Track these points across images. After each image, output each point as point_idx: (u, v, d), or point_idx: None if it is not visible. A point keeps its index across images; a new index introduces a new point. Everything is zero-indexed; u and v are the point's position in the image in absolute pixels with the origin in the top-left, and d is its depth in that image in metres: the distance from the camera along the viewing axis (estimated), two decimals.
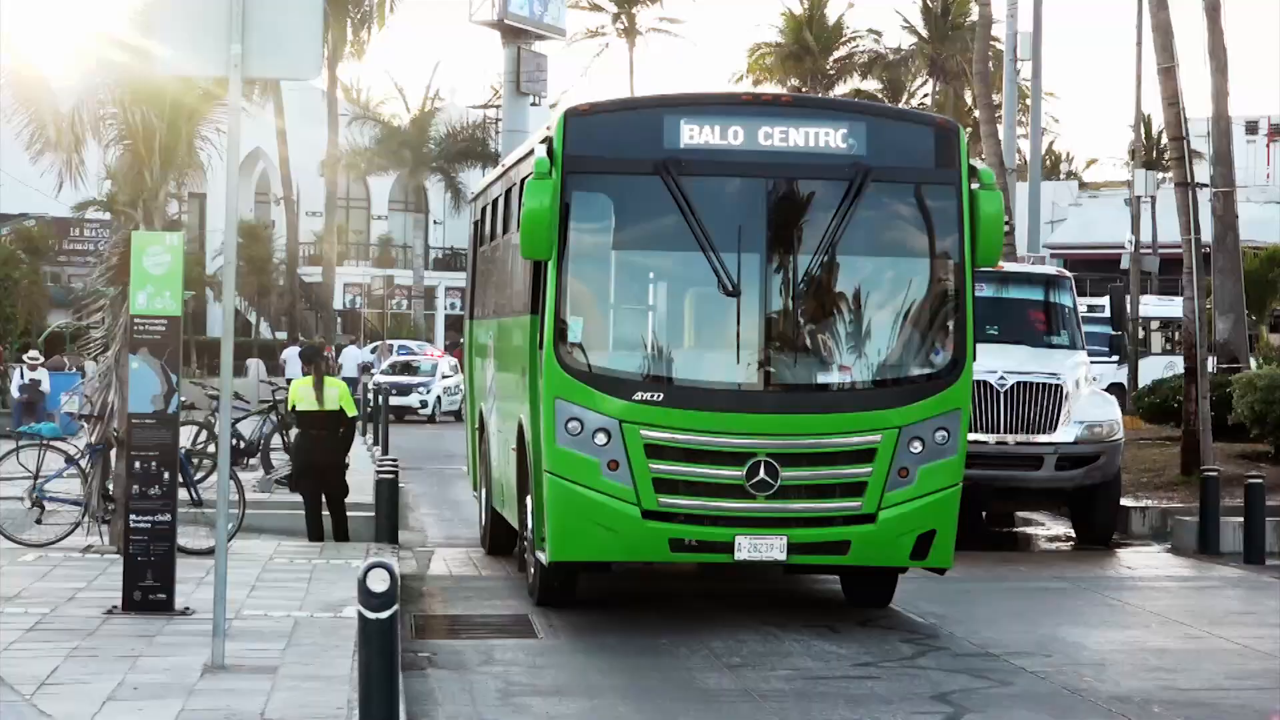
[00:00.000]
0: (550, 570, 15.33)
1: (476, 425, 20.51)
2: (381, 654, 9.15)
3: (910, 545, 14.93)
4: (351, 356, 55.35)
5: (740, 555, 14.61)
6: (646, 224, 15.10)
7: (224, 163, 13.39)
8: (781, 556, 14.69)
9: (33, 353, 38.79)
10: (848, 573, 16.22)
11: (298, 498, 20.66)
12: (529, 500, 15.87)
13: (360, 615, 9.13)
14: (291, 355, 53.73)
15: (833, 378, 15.23)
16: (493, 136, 79.03)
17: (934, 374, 15.14)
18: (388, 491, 19.94)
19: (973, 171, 15.27)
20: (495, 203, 19.22)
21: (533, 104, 78.94)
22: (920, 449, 14.84)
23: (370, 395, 42.11)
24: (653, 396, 14.56)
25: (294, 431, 21.81)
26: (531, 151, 15.58)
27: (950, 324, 15.19)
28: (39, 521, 18.63)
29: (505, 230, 18.18)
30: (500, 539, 19.58)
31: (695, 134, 14.94)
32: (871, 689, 12.75)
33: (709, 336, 15.18)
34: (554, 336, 14.60)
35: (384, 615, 9.03)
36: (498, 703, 12.21)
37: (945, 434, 14.93)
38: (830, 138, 15.10)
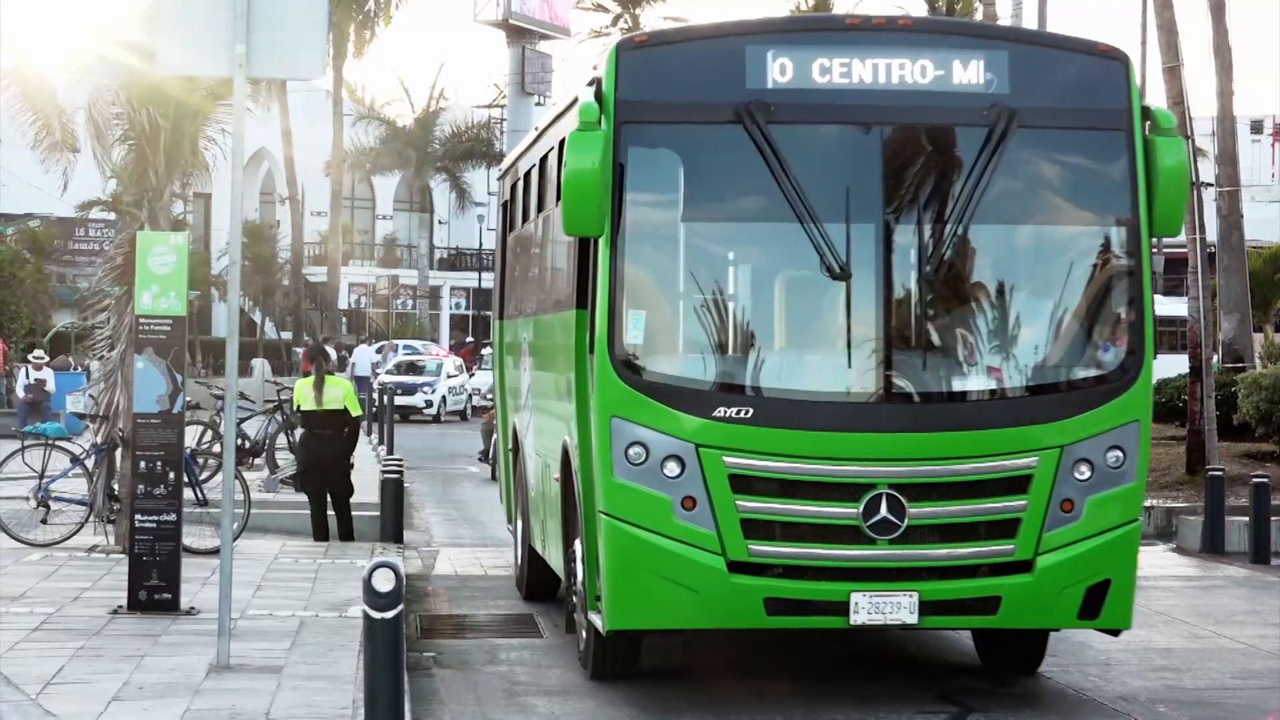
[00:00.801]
0: (608, 639, 12.21)
1: (510, 445, 17.34)
2: (386, 654, 9.14)
3: (1078, 601, 11.79)
4: (364, 356, 55.49)
5: (858, 618, 11.49)
6: (726, 188, 11.92)
7: (229, 162, 13.39)
8: (911, 618, 11.54)
9: (38, 352, 38.86)
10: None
11: (303, 497, 20.68)
12: (578, 545, 12.72)
13: (365, 615, 9.12)
14: (361, 355, 54.13)
15: (973, 384, 12.00)
16: (498, 136, 79.14)
17: (1104, 377, 11.98)
18: (393, 491, 19.94)
19: (1146, 113, 12.10)
20: (528, 176, 15.98)
21: (537, 104, 79.06)
22: (1088, 474, 11.72)
23: (375, 395, 42.12)
24: (739, 413, 11.47)
25: (299, 431, 21.82)
26: (575, 101, 12.29)
27: (1123, 311, 12.02)
28: (44, 521, 18.64)
29: (541, 207, 15.06)
30: (541, 583, 16.26)
31: (786, 70, 11.80)
32: (877, 688, 12.74)
33: (811, 333, 12.13)
34: (608, 337, 11.51)
35: (389, 615, 9.02)
36: (503, 702, 12.22)
37: (1120, 454, 11.79)
38: (964, 72, 11.97)
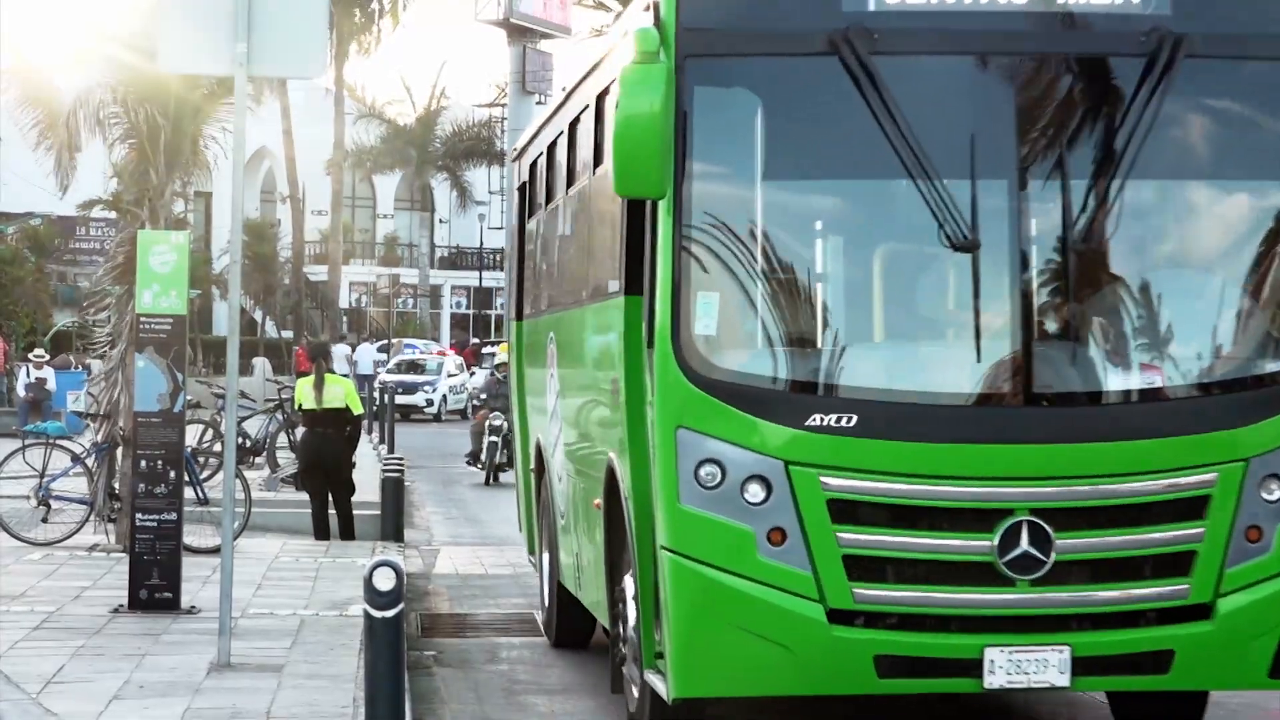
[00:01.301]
0: (674, 708, 9.79)
1: (531, 465, 14.92)
2: (387, 652, 9.13)
3: (1269, 655, 9.46)
4: (366, 354, 55.63)
5: (994, 680, 9.20)
6: (818, 136, 9.49)
7: (229, 161, 13.39)
8: (1062, 679, 9.25)
9: (38, 351, 38.88)
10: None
11: (304, 496, 20.67)
12: (628, 585, 10.38)
13: (366, 614, 9.11)
14: (338, 353, 54.31)
15: (1135, 382, 9.53)
16: (498, 136, 79.15)
17: None
18: (393, 490, 19.94)
19: None
20: (553, 149, 13.81)
21: (538, 103, 79.00)
22: (1279, 493, 9.41)
23: (376, 394, 42.15)
24: (840, 421, 9.11)
25: (300, 430, 21.82)
26: (625, 36, 10.02)
27: None
28: (45, 520, 18.65)
29: (571, 181, 12.81)
30: (573, 627, 13.99)
31: None
32: None
33: (930, 319, 9.74)
34: (672, 327, 9.18)
35: (390, 614, 9.01)
36: (503, 701, 12.21)
37: None
38: None
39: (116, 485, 17.89)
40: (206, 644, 12.44)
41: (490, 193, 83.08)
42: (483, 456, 30.45)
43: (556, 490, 13.54)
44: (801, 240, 9.66)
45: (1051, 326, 9.47)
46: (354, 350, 56.68)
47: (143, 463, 14.33)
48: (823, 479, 9.10)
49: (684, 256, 9.25)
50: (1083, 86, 9.54)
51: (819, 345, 9.42)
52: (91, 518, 18.36)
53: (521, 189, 15.84)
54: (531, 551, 15.54)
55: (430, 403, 51.19)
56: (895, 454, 9.13)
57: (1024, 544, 9.13)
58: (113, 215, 33.47)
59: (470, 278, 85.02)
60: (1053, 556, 9.12)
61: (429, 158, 77.41)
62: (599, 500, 11.09)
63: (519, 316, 15.79)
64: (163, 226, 17.03)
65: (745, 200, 9.39)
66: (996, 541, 9.11)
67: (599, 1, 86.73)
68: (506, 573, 18.66)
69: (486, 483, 29.97)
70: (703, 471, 9.15)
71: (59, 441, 19.89)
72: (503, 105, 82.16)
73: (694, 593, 9.21)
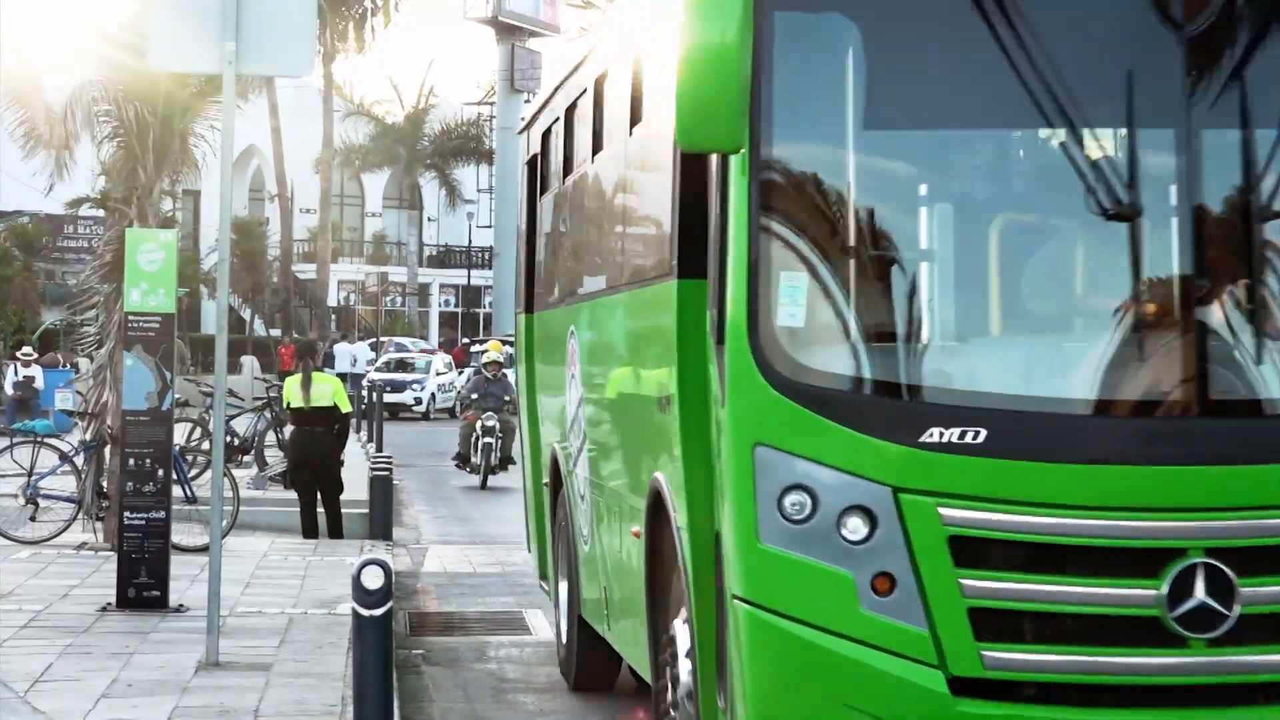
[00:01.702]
0: None
1: (546, 478, 13.27)
2: (376, 651, 9.14)
3: None
4: (344, 352, 55.61)
5: None
6: (932, 76, 7.57)
7: (218, 159, 13.38)
8: None
9: (26, 349, 38.84)
10: None
11: (292, 495, 20.67)
12: (680, 635, 8.67)
13: (354, 612, 9.11)
14: (341, 351, 54.40)
15: None
16: (487, 134, 79.15)
17: None
18: (382, 488, 19.95)
19: None
20: (576, 107, 11.90)
21: (526, 101, 78.99)
22: None
23: (365, 392, 42.15)
24: (964, 436, 7.20)
25: (288, 428, 21.81)
26: None
27: None
28: (33, 518, 18.63)
29: (599, 145, 10.96)
30: (596, 670, 12.30)
31: None
32: None
33: (1077, 309, 7.73)
34: (748, 317, 7.36)
35: (378, 612, 9.02)
36: (491, 699, 12.21)
37: None
38: None
39: (104, 483, 17.88)
40: (194, 642, 12.43)
41: (479, 191, 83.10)
42: (474, 459, 29.69)
43: (578, 510, 11.74)
44: (913, 207, 7.66)
45: (1233, 316, 7.38)
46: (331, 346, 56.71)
47: (131, 461, 14.32)
48: (942, 510, 7.18)
49: (764, 228, 7.37)
50: (1273, 10, 7.47)
51: (936, 340, 7.52)
52: (79, 516, 18.35)
53: (531, 163, 14.05)
54: (543, 576, 13.81)
55: (418, 401, 51.19)
56: (1035, 478, 7.18)
57: (1200, 593, 7.15)
58: (101, 213, 33.46)
59: (459, 276, 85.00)
60: (1236, 609, 7.13)
61: (418, 156, 77.38)
62: (638, 528, 9.36)
63: (529, 308, 14.04)
64: (151, 224, 17.03)
65: (841, 156, 7.49)
66: (1165, 590, 7.14)
67: (587, 0, 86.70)
68: (495, 571, 18.66)
69: (481, 486, 29.37)
70: (788, 501, 7.28)
71: (47, 440, 19.87)
72: (491, 104, 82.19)
73: (777, 656, 7.35)
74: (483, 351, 34.99)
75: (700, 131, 7.35)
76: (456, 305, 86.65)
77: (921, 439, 7.22)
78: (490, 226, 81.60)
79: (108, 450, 17.77)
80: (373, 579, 8.99)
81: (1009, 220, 7.75)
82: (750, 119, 7.36)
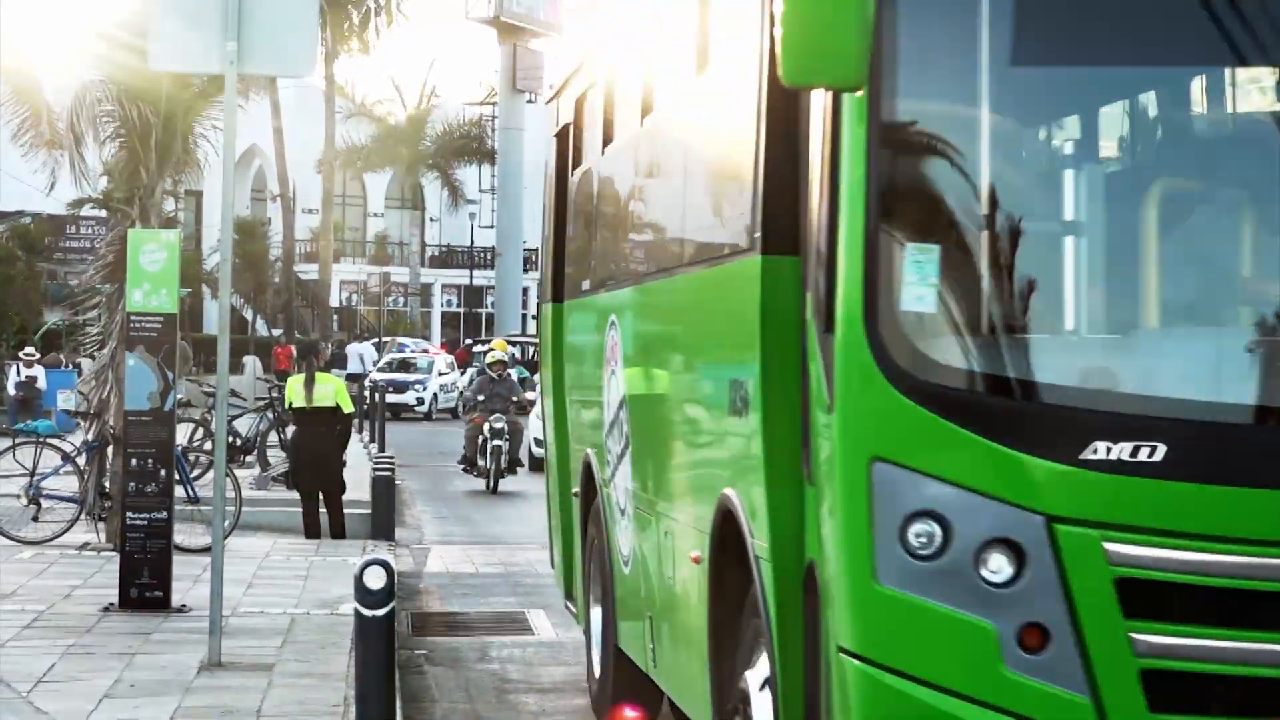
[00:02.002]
0: None
1: (576, 487, 12.02)
2: (378, 651, 9.14)
3: None
4: (354, 351, 55.87)
5: None
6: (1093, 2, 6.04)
7: (220, 160, 13.37)
8: None
9: (29, 349, 38.82)
10: None
11: (294, 495, 20.67)
12: (755, 690, 7.24)
13: (357, 612, 9.11)
14: (352, 351, 54.51)
15: None
16: (489, 134, 79.14)
17: None
18: (384, 488, 19.95)
19: None
20: (618, 63, 10.66)
21: (529, 101, 79.03)
22: None
23: (367, 392, 42.18)
24: (1136, 453, 5.83)
25: (291, 428, 21.81)
26: None
27: None
28: (35, 519, 18.63)
29: (649, 108, 9.57)
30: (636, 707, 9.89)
31: None
32: None
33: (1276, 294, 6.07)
34: (866, 301, 6.03)
35: (380, 612, 9.01)
36: (494, 700, 12.21)
37: None
38: None
39: (107, 484, 17.88)
40: (197, 643, 12.43)
41: (481, 191, 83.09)
42: (481, 462, 28.56)
43: (617, 526, 10.38)
44: (1075, 163, 6.30)
45: None
46: (341, 347, 56.87)
47: (133, 461, 14.32)
48: (1109, 546, 5.78)
49: (887, 187, 5.98)
50: None
51: (1101, 331, 6.17)
52: (82, 516, 18.35)
53: (562, 134, 12.74)
54: (569, 596, 12.71)
55: (421, 401, 51.20)
56: (1226, 507, 5.76)
57: None
58: (103, 214, 33.46)
59: (461, 276, 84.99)
60: None
61: (420, 156, 77.37)
62: (699, 553, 7.98)
63: (556, 297, 12.68)
64: (153, 225, 17.03)
65: (985, 98, 5.99)
66: None
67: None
68: (497, 571, 18.66)
69: (489, 490, 28.35)
70: (914, 531, 5.89)
71: (49, 440, 19.88)
72: (493, 104, 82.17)
73: None
74: (487, 351, 34.52)
75: (811, 63, 5.86)
76: (459, 305, 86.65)
77: (1083, 456, 5.79)
78: (492, 227, 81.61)
79: (110, 450, 17.77)
80: (375, 579, 8.99)
81: (1193, 181, 6.24)
82: (873, 50, 5.92)
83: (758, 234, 7.03)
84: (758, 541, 7.04)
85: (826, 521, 6.25)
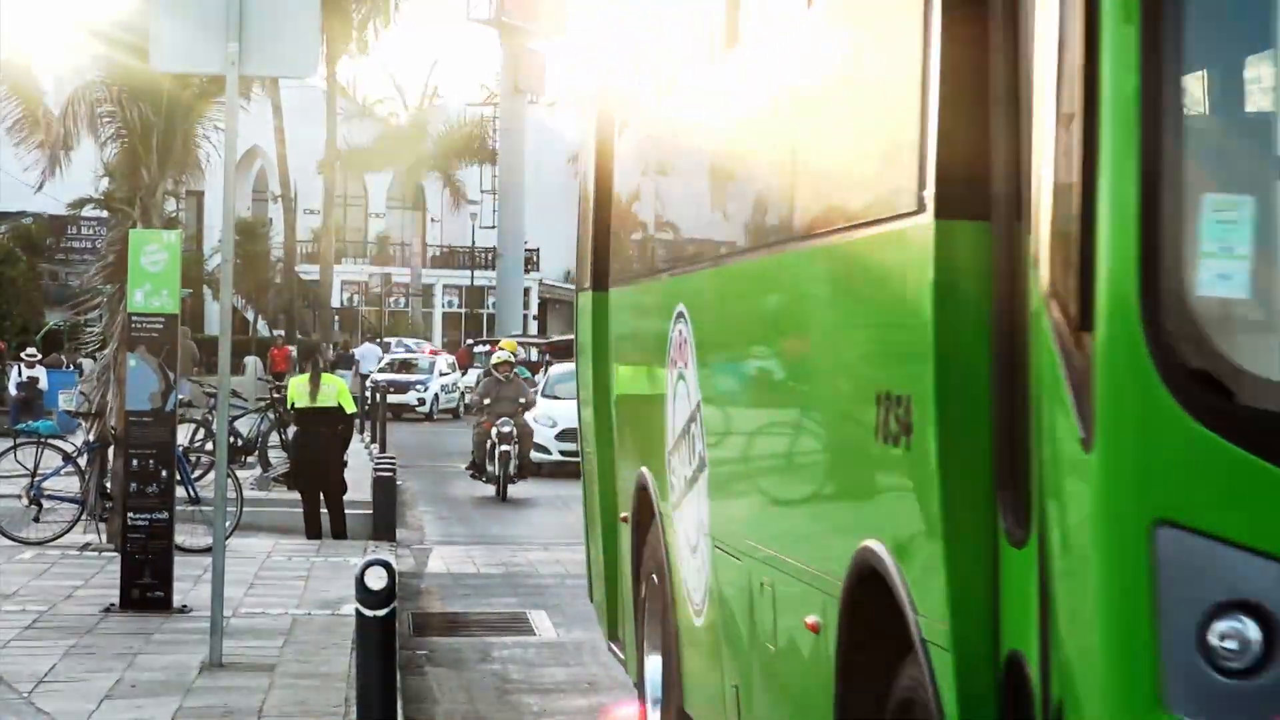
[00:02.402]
0: None
1: (625, 512, 10.07)
2: (379, 652, 9.13)
3: None
4: (371, 353, 56.18)
5: None
6: None
7: (221, 160, 13.37)
8: None
9: (30, 350, 38.83)
10: None
11: (295, 495, 20.67)
12: None
13: (358, 613, 9.10)
14: (364, 352, 54.66)
15: None
16: (490, 135, 79.14)
17: None
18: (385, 489, 19.95)
19: None
20: None
21: (530, 102, 79.13)
22: None
23: (368, 393, 42.19)
24: None
25: (292, 429, 21.81)
26: None
27: None
28: (37, 519, 18.62)
29: (735, 32, 7.66)
30: None
31: None
32: None
33: None
34: (1143, 283, 4.18)
35: (382, 613, 9.01)
36: (495, 700, 12.21)
37: None
38: None
39: (108, 484, 17.88)
40: (198, 643, 12.42)
41: (482, 192, 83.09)
42: (490, 468, 27.04)
43: (684, 564, 8.56)
44: None
45: None
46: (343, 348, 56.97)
47: (134, 462, 14.32)
48: None
49: (1173, 112, 4.23)
50: None
51: None
52: (83, 517, 18.35)
53: (603, 92, 10.94)
54: (614, 636, 10.96)
55: (422, 402, 51.18)
56: None
57: None
58: (104, 214, 33.48)
59: (462, 277, 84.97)
60: None
61: (421, 157, 77.39)
62: (817, 620, 6.15)
63: (597, 285, 10.89)
64: (154, 225, 17.02)
65: None
66: None
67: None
68: (499, 572, 18.65)
69: (499, 498, 26.89)
70: (1221, 632, 4.16)
71: (50, 440, 19.89)
72: (495, 105, 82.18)
73: None
74: (499, 350, 31.44)
75: None
76: (460, 306, 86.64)
77: None
78: (493, 227, 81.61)
79: (111, 451, 17.77)
80: (376, 579, 8.99)
81: None
82: None
83: (928, 190, 5.09)
84: (927, 619, 5.14)
85: (1067, 610, 4.38)
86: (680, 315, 8.50)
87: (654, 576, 9.36)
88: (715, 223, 8.24)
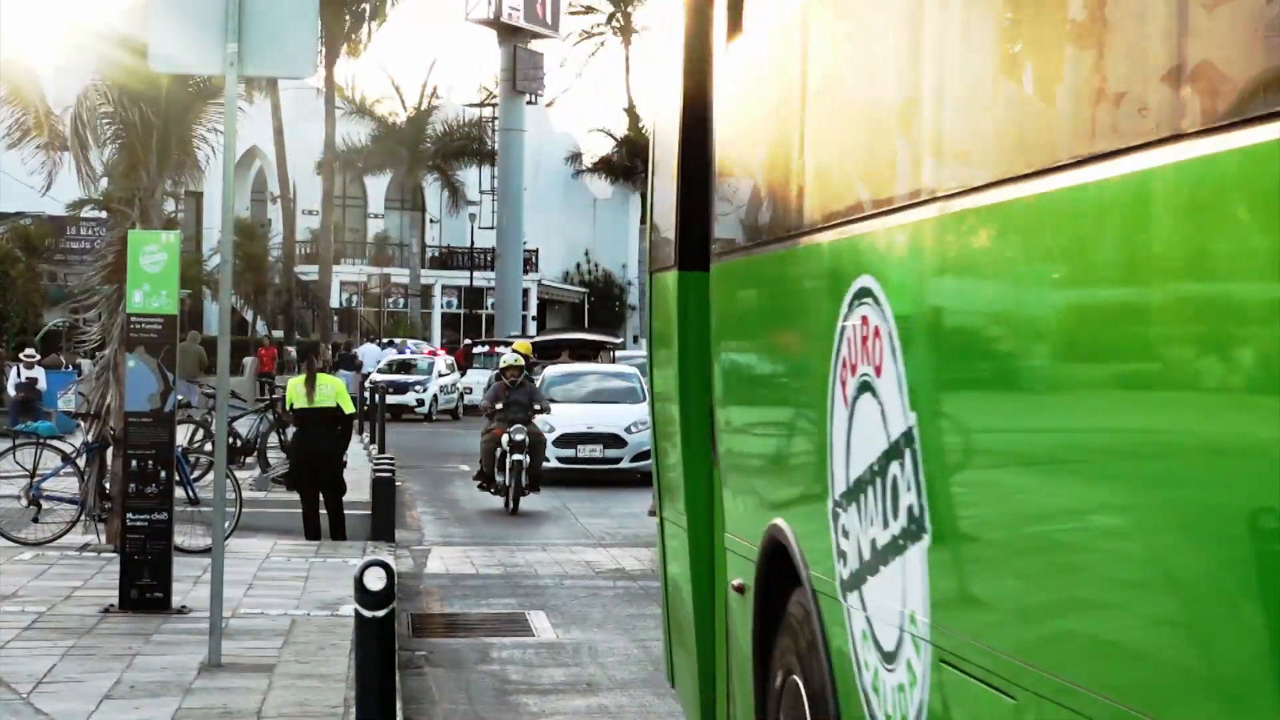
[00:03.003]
0: None
1: (737, 579, 7.67)
2: (378, 652, 9.14)
3: None
4: (372, 354, 56.24)
5: None
6: None
7: (220, 161, 13.38)
8: None
9: (29, 351, 38.83)
10: None
11: (294, 496, 20.67)
12: None
13: (357, 614, 9.11)
14: (365, 352, 54.70)
15: None
16: (489, 135, 79.13)
17: None
18: (385, 490, 19.94)
19: None
20: None
21: (529, 102, 79.10)
22: None
23: (367, 393, 42.21)
24: None
25: (291, 429, 21.81)
26: None
27: None
28: (36, 520, 18.63)
29: None
30: None
31: None
32: None
33: None
34: None
35: (381, 614, 9.02)
36: (494, 701, 12.21)
37: None
38: None
39: (107, 485, 17.89)
40: (197, 644, 12.43)
41: (481, 193, 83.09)
42: (499, 478, 25.27)
43: (867, 673, 5.88)
44: None
45: None
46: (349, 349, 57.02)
47: (133, 462, 14.33)
48: None
49: None
50: None
51: None
52: (82, 517, 18.36)
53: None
54: (672, 682, 9.37)
55: (421, 402, 51.17)
56: None
57: None
58: (103, 215, 33.46)
59: (461, 278, 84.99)
60: None
61: (420, 157, 77.39)
62: None
63: (688, 262, 8.49)
64: (153, 226, 17.03)
65: None
66: None
67: (587, 6, 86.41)
68: (498, 573, 18.65)
69: (509, 511, 25.05)
70: None
71: (49, 441, 19.90)
72: (493, 105, 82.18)
73: None
74: (513, 350, 29.24)
75: None
76: (459, 307, 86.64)
77: None
78: (493, 228, 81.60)
79: (110, 451, 17.77)
80: (375, 580, 8.99)
81: None
82: None
83: None
84: None
85: None
86: (863, 294, 5.74)
87: (793, 677, 6.80)
88: (940, 147, 5.14)
